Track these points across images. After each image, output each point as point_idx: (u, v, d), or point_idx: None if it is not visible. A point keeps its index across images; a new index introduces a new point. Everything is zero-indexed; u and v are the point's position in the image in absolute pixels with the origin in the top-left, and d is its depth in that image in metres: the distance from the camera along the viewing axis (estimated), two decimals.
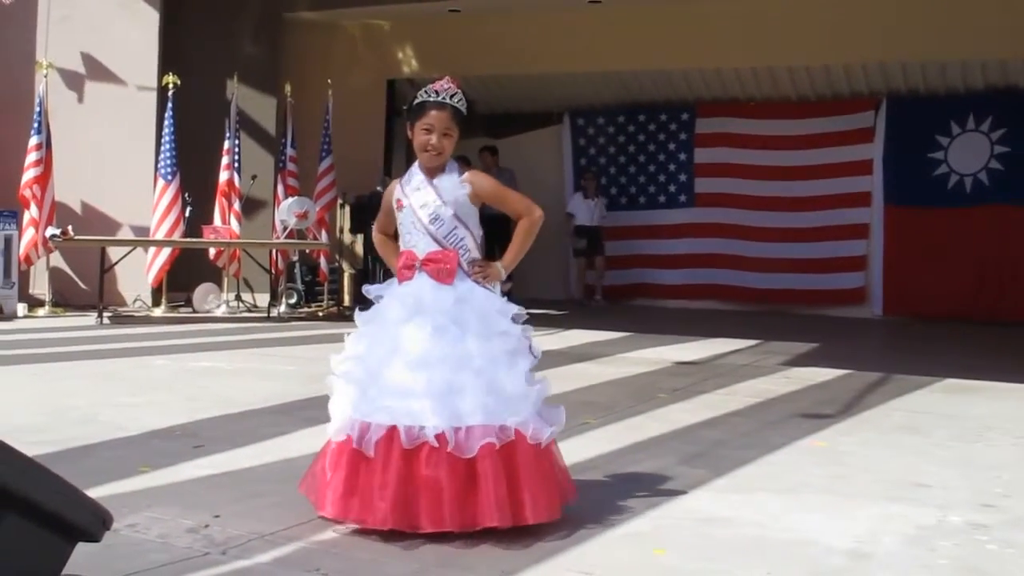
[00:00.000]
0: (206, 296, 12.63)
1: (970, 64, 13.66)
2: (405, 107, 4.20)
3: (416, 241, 4.06)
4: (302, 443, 5.14)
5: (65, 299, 12.67)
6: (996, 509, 4.32)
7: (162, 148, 12.69)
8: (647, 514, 4.11)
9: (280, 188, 13.43)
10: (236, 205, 12.92)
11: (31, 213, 12.25)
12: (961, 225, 13.76)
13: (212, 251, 12.83)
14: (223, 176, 12.88)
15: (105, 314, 11.52)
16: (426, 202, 4.06)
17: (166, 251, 12.49)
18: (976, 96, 14.02)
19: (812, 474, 4.92)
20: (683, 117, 15.55)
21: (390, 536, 3.66)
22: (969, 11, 12.56)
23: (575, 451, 5.13)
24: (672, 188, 15.61)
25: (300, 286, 13.60)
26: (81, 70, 13.34)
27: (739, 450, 5.36)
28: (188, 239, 12.52)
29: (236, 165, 12.97)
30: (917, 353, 10.65)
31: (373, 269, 13.34)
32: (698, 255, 15.28)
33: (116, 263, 12.18)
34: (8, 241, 12.22)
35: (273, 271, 12.98)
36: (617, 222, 15.39)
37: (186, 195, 12.69)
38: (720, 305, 15.07)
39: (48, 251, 12.35)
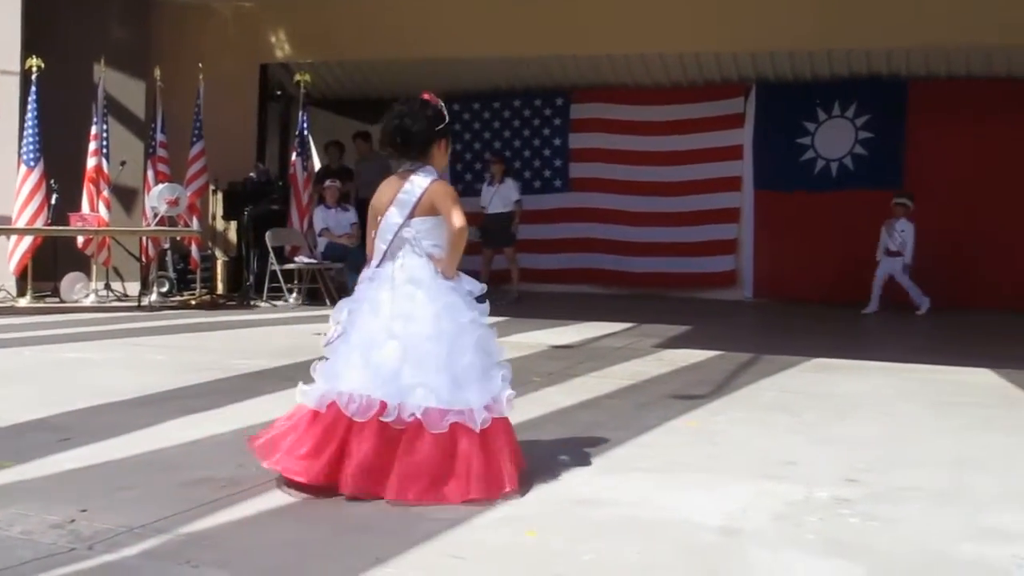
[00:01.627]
0: (73, 285, 12.31)
1: (836, 52, 14.00)
2: (444, 125, 4.44)
3: None
4: (172, 434, 5.07)
5: None
6: (859, 484, 4.45)
7: (25, 133, 12.31)
8: (521, 498, 4.13)
9: (150, 174, 13.18)
10: (105, 192, 12.63)
11: None
12: (828, 209, 14.11)
13: (81, 239, 12.51)
14: (91, 162, 12.58)
15: None
16: None
17: (28, 239, 12.13)
18: (841, 83, 14.37)
19: (685, 453, 5.00)
20: (558, 103, 15.66)
21: (264, 525, 3.65)
22: (836, 1, 12.87)
23: None
24: (547, 173, 15.70)
25: (172, 274, 13.33)
26: None
27: (613, 431, 5.41)
28: (53, 227, 12.17)
29: (104, 151, 12.67)
30: (786, 333, 10.91)
31: (247, 256, 13.20)
32: (574, 240, 15.41)
33: None
34: None
35: (144, 259, 12.73)
36: None
37: (52, 181, 12.33)
38: (596, 289, 15.23)
39: None
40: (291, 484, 4.06)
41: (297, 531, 3.60)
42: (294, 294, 12.93)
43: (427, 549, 3.49)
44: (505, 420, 4.24)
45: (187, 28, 14.49)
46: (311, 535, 3.56)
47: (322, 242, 13.26)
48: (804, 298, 13.91)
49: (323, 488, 4.00)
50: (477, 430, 4.07)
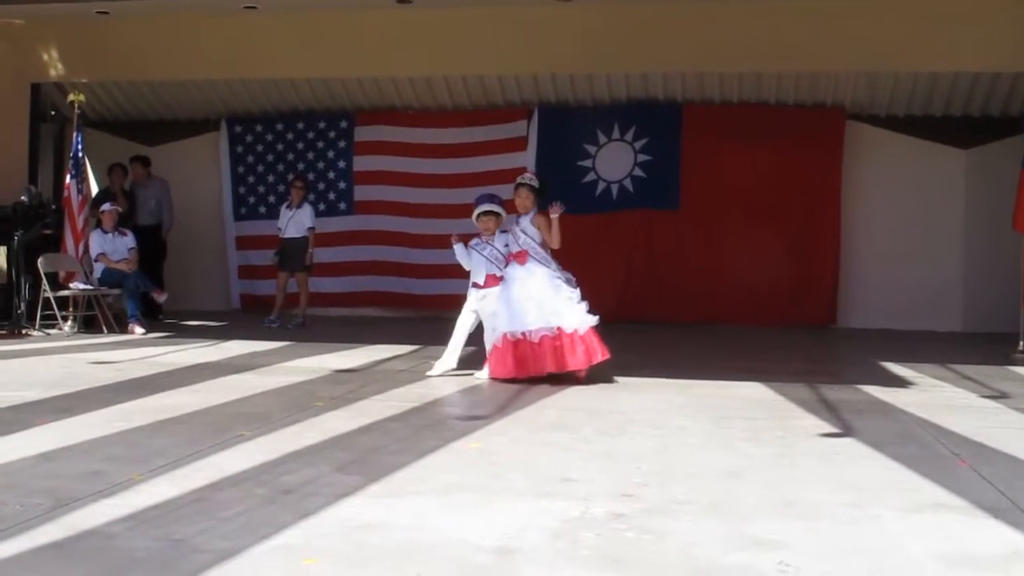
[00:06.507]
0: None
1: (614, 77, 14.35)
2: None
3: None
4: None
5: None
6: (635, 498, 4.53)
7: None
8: (299, 525, 4.04)
9: None
10: None
11: None
12: (609, 230, 14.42)
13: None
14: None
15: None
16: None
17: None
18: (620, 107, 14.74)
19: (465, 474, 5.00)
20: (342, 125, 15.55)
21: (23, 565, 3.47)
22: (612, 27, 13.20)
23: (228, 465, 5.02)
24: (332, 196, 15.56)
25: None
26: None
27: (393, 455, 5.38)
28: None
29: None
30: None
31: (18, 283, 12.61)
32: (359, 262, 15.32)
33: None
34: None
35: None
36: (274, 231, 14.91)
37: None
38: (382, 312, 15.18)
39: None
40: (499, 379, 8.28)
41: (60, 570, 3.44)
42: (69, 322, 12.45)
43: None
44: (590, 329, 8.33)
45: None
46: (75, 573, 3.40)
47: (99, 267, 12.82)
48: None
49: (511, 379, 8.25)
50: (580, 334, 8.29)
